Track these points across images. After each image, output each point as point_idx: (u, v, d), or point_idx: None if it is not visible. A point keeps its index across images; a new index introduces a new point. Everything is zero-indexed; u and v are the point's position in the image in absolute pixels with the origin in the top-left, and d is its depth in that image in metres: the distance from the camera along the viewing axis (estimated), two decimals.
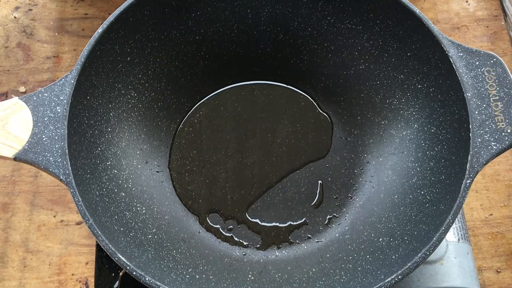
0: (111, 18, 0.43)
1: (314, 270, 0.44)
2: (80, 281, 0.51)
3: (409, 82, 0.47)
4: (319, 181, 0.50)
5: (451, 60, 0.41)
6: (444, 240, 0.39)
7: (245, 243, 0.48)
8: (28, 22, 0.62)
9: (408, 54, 0.46)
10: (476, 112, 0.40)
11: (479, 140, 0.39)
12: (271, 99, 0.53)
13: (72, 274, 0.51)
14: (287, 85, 0.54)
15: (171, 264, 0.42)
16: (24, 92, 0.58)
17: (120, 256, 0.36)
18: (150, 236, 0.43)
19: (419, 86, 0.46)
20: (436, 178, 0.43)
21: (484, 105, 0.40)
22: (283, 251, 0.47)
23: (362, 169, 0.50)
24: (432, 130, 0.45)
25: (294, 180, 0.50)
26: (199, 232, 0.48)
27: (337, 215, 0.48)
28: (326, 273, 0.44)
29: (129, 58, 0.46)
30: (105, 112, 0.45)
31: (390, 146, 0.49)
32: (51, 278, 0.51)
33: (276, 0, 0.49)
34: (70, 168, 0.38)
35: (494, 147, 0.39)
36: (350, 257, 0.44)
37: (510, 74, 0.41)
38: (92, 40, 0.42)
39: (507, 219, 0.52)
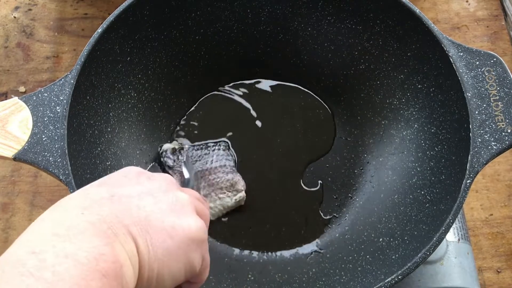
0: (111, 18, 0.43)
1: (314, 270, 0.44)
2: None
3: (409, 82, 0.47)
4: (319, 181, 0.50)
5: (451, 60, 0.41)
6: (444, 240, 0.38)
7: (245, 243, 0.47)
8: (27, 22, 0.62)
9: (408, 54, 0.46)
10: (476, 112, 0.40)
11: (479, 140, 0.39)
12: (271, 99, 0.53)
13: None
14: (286, 84, 0.54)
15: None
16: (24, 92, 0.58)
17: None
18: None
19: (419, 86, 0.46)
20: (436, 178, 0.43)
21: (484, 105, 0.40)
22: (283, 251, 0.47)
23: (362, 169, 0.50)
24: (432, 130, 0.45)
25: (294, 180, 0.50)
26: None
27: (337, 215, 0.48)
28: (326, 273, 0.43)
29: (129, 58, 0.46)
30: (105, 112, 0.45)
31: (390, 146, 0.49)
32: None
33: (276, 0, 0.49)
34: (70, 168, 0.38)
35: (494, 147, 0.39)
36: (350, 257, 0.44)
37: (510, 74, 0.41)
38: (92, 40, 0.42)
39: (507, 219, 0.52)
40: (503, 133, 0.39)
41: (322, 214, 0.49)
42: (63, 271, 0.20)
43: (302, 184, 0.50)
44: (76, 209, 0.25)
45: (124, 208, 0.25)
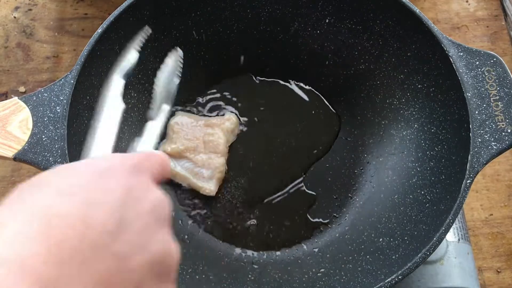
0: (111, 18, 0.43)
1: (314, 270, 0.44)
2: None
3: (409, 82, 0.47)
4: (319, 181, 0.50)
5: (451, 60, 0.41)
6: (444, 240, 0.38)
7: (245, 243, 0.47)
8: (28, 22, 0.62)
9: (408, 54, 0.46)
10: (476, 112, 0.40)
11: (479, 140, 0.39)
12: (271, 99, 0.53)
13: None
14: (286, 84, 0.54)
15: None
16: (24, 92, 0.58)
17: None
18: None
19: (419, 86, 0.46)
20: (436, 178, 0.43)
21: (484, 105, 0.40)
22: (283, 251, 0.47)
23: (362, 169, 0.50)
24: (432, 130, 0.45)
25: (294, 180, 0.50)
26: (199, 232, 0.48)
27: (337, 215, 0.48)
28: (326, 273, 0.43)
29: None
30: None
31: (390, 146, 0.49)
32: None
33: (276, 0, 0.49)
34: None
35: (494, 147, 0.39)
36: (350, 257, 0.44)
37: (510, 74, 0.41)
38: (92, 40, 0.42)
39: (507, 219, 0.52)
40: (503, 133, 0.39)
41: (322, 214, 0.48)
42: None
43: (302, 184, 0.50)
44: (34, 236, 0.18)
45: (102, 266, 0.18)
